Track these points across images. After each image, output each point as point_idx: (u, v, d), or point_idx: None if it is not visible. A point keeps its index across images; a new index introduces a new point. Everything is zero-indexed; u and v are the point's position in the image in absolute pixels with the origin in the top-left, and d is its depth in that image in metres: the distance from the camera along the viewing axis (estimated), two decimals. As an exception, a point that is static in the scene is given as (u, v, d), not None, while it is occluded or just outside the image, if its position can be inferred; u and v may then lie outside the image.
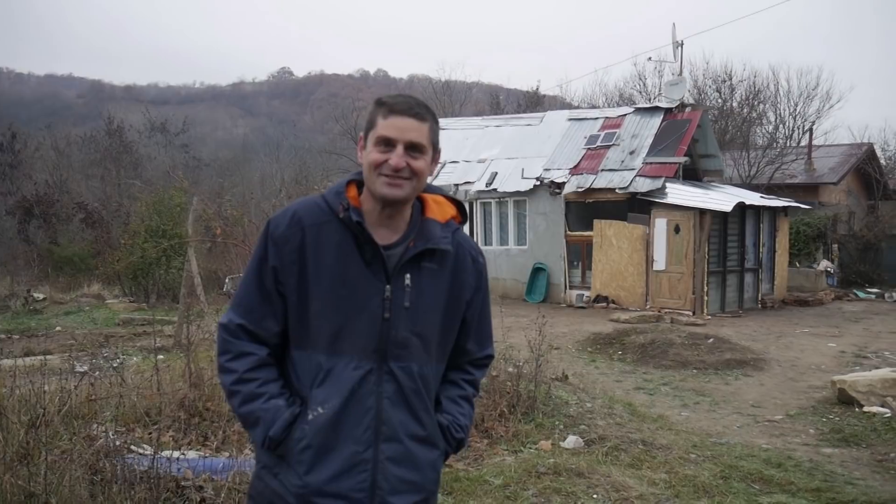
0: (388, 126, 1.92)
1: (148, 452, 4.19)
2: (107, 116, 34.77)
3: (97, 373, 5.99)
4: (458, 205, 2.13)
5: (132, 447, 4.42)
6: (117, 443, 4.25)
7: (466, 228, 18.42)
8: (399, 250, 1.96)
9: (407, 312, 1.94)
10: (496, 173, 18.44)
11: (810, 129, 29.26)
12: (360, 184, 2.01)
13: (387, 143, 1.92)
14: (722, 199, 15.57)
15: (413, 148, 1.93)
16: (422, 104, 1.98)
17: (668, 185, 15.82)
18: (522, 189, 17.66)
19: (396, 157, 1.90)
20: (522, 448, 5.68)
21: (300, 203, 2.02)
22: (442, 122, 22.17)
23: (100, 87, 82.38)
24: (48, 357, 8.51)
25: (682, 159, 16.37)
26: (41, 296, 17.63)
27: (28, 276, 20.85)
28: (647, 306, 15.49)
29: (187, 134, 39.06)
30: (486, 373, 2.29)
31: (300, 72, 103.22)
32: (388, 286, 1.93)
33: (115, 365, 7.38)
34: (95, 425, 4.68)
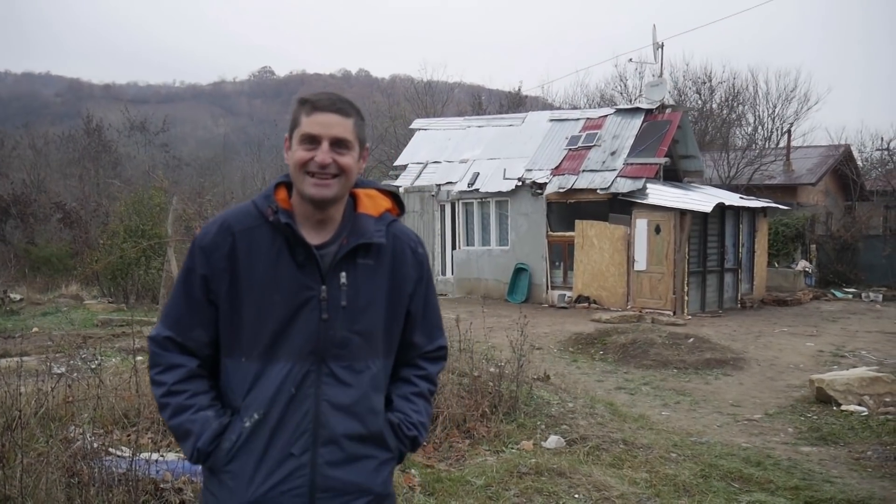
0: (312, 123, 1.89)
1: (126, 455, 4.14)
2: (85, 115, 34.44)
3: (75, 374, 5.91)
4: (394, 196, 2.08)
5: (110, 449, 4.37)
6: (95, 445, 4.21)
7: (448, 228, 18.66)
8: (332, 249, 1.92)
9: (345, 311, 1.90)
10: (478, 174, 18.46)
11: (788, 131, 29.61)
12: (289, 185, 1.97)
13: (311, 141, 1.89)
14: (702, 199, 15.68)
15: (338, 144, 1.89)
16: (345, 100, 1.94)
17: (648, 185, 15.92)
18: (504, 189, 17.69)
19: (322, 154, 1.87)
20: (504, 448, 5.68)
21: (230, 210, 1.99)
22: (424, 122, 22.32)
23: (78, 85, 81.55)
24: (25, 358, 8.40)
25: (663, 160, 16.48)
26: (18, 296, 17.39)
27: (4, 277, 20.58)
28: (629, 306, 15.57)
29: (167, 133, 38.78)
30: (442, 366, 2.21)
31: (281, 71, 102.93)
32: (323, 287, 1.89)
33: (92, 366, 7.30)
34: (73, 427, 4.63)
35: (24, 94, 71.48)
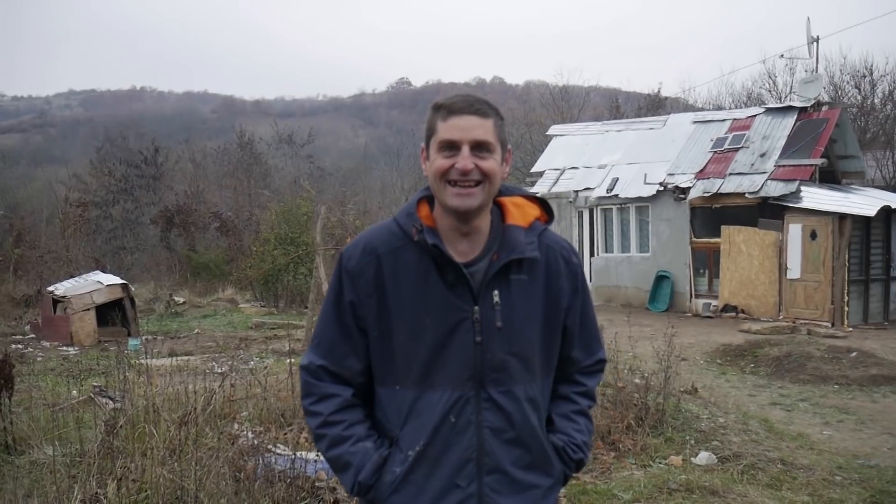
0: (450, 128, 1.77)
1: (286, 453, 4.36)
2: (238, 130, 36.75)
3: (235, 374, 6.30)
4: (542, 203, 1.95)
5: (270, 447, 4.62)
6: (256, 442, 4.47)
7: (587, 235, 18.37)
8: (482, 265, 1.81)
9: (500, 333, 1.79)
10: (617, 179, 18.06)
11: (964, 126, 26.91)
12: (430, 199, 1.87)
13: (450, 147, 1.77)
14: (864, 202, 14.57)
15: (480, 147, 1.77)
16: (482, 100, 1.81)
17: (803, 188, 14.97)
18: (645, 195, 17.21)
19: (463, 160, 1.75)
20: (651, 463, 5.50)
21: (371, 231, 1.89)
22: (560, 127, 22.11)
23: (231, 102, 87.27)
24: (189, 358, 9.07)
25: (819, 161, 15.44)
26: (181, 299, 18.84)
27: (169, 281, 22.33)
28: (780, 317, 14.69)
29: (312, 145, 40.62)
30: (600, 379, 2.10)
31: (418, 81, 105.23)
32: (475, 307, 1.78)
33: (250, 367, 7.77)
34: (236, 425, 4.93)
35: (184, 112, 77.37)
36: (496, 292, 1.80)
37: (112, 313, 13.39)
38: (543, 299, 1.87)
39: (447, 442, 1.79)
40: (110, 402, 5.58)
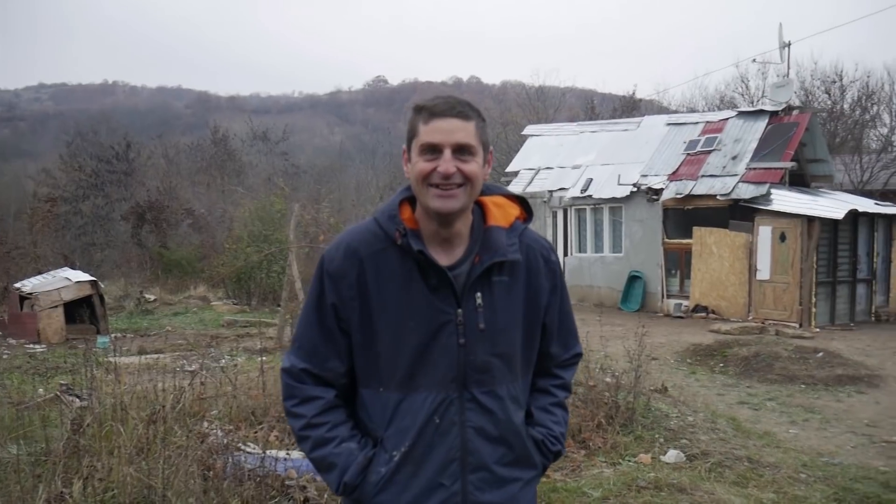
0: (431, 131, 1.76)
1: (255, 451, 4.34)
2: (212, 126, 36.42)
3: (205, 372, 6.25)
4: (522, 202, 1.95)
5: (240, 445, 4.59)
6: (226, 441, 4.43)
7: (560, 235, 18.45)
8: (465, 268, 1.81)
9: (483, 335, 1.80)
10: (591, 179, 18.18)
11: (930, 132, 27.49)
12: (412, 200, 1.87)
13: (432, 150, 1.76)
14: (832, 205, 14.82)
15: (462, 150, 1.76)
16: (464, 102, 1.80)
17: (773, 191, 15.18)
18: (618, 195, 17.35)
19: (445, 163, 1.74)
20: (621, 461, 5.56)
21: (352, 232, 1.88)
22: (536, 128, 22.20)
23: (206, 97, 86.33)
24: (160, 356, 8.97)
25: (789, 164, 15.68)
26: (152, 297, 18.62)
27: (140, 278, 22.03)
28: (750, 317, 14.90)
29: (287, 142, 40.40)
30: (575, 370, 2.14)
31: (394, 80, 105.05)
32: (458, 310, 1.79)
33: (221, 365, 7.70)
34: (206, 423, 4.89)
35: (157, 107, 76.45)
36: (478, 294, 1.82)
37: (81, 310, 13.20)
38: (524, 299, 1.89)
39: (431, 442, 1.80)
40: (77, 400, 5.51)
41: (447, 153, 1.75)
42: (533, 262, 1.91)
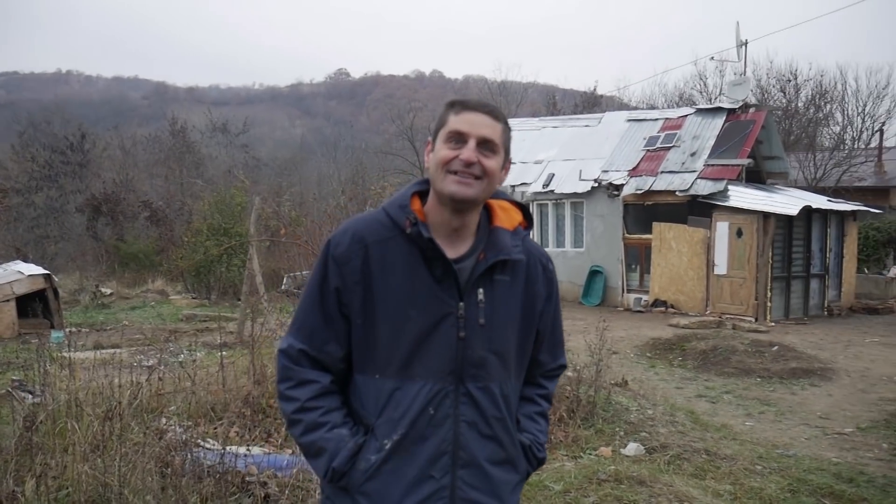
0: (461, 121, 1.82)
1: (215, 447, 4.28)
2: (170, 117, 35.75)
3: (163, 367, 6.15)
4: (524, 209, 2.00)
5: (199, 442, 4.52)
6: (184, 437, 4.36)
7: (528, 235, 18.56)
8: (469, 263, 1.85)
9: (482, 330, 1.83)
10: (553, 174, 18.31)
11: (881, 130, 28.27)
12: (422, 195, 1.92)
13: (458, 139, 1.82)
14: (787, 202, 15.14)
15: (485, 145, 1.82)
16: (496, 107, 1.90)
17: (730, 187, 15.46)
18: (580, 191, 17.49)
19: (468, 151, 1.80)
20: (582, 454, 5.61)
21: (359, 220, 1.91)
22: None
23: (164, 88, 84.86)
24: (117, 351, 8.78)
25: (746, 161, 15.98)
26: (108, 291, 18.25)
27: (96, 272, 21.58)
28: (708, 312, 15.17)
29: (247, 134, 39.89)
30: (557, 382, 2.19)
31: (356, 73, 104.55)
32: (461, 303, 1.82)
33: (180, 360, 7.58)
34: (164, 419, 4.81)
35: (113, 97, 74.89)
36: (481, 290, 1.85)
37: (34, 305, 12.87)
38: (522, 302, 1.92)
39: (424, 433, 1.81)
40: (30, 396, 5.36)
41: (472, 143, 1.81)
42: (532, 268, 1.96)
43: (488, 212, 1.94)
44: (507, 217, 1.94)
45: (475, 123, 1.82)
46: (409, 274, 1.82)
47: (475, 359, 1.83)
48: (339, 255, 1.85)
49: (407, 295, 1.81)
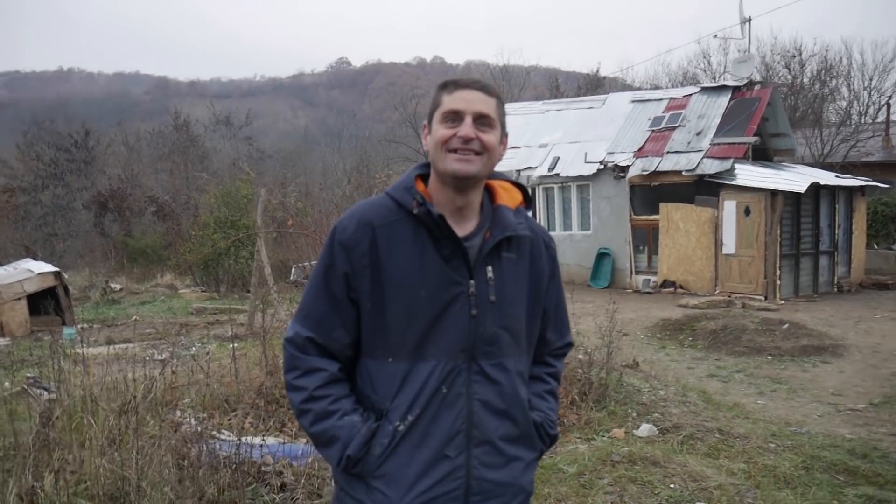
0: (455, 99, 1.83)
1: (230, 438, 4.30)
2: (173, 112, 35.76)
3: (175, 361, 6.17)
4: (524, 190, 2.03)
5: (214, 433, 4.55)
6: (199, 429, 4.39)
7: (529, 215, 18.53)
8: (476, 241, 1.85)
9: (493, 307, 1.83)
10: (558, 158, 18.24)
11: (887, 104, 27.97)
12: (423, 178, 1.92)
13: (454, 118, 1.82)
14: (794, 179, 15.06)
15: (482, 120, 1.83)
16: (488, 83, 1.91)
17: (737, 166, 15.39)
18: (585, 173, 17.44)
19: (466, 128, 1.81)
20: (595, 436, 5.62)
21: (364, 205, 1.90)
22: (502, 107, 22.15)
23: (165, 83, 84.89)
24: (128, 345, 8.84)
25: (752, 139, 15.89)
26: (118, 286, 18.33)
27: (105, 268, 21.68)
28: (717, 291, 15.14)
29: (250, 126, 39.89)
30: (563, 362, 2.19)
31: (358, 61, 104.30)
32: (471, 281, 1.82)
33: (192, 353, 7.62)
34: (178, 412, 4.84)
35: (116, 94, 74.92)
36: (489, 268, 1.85)
37: (45, 302, 12.93)
38: (528, 278, 1.94)
39: (437, 413, 1.80)
40: (45, 392, 5.40)
41: (468, 119, 1.82)
42: (536, 245, 1.97)
43: (490, 192, 1.96)
44: (508, 196, 1.97)
45: (469, 100, 1.83)
46: (418, 255, 1.81)
47: (488, 336, 1.83)
48: (346, 239, 1.84)
49: (417, 276, 1.81)
